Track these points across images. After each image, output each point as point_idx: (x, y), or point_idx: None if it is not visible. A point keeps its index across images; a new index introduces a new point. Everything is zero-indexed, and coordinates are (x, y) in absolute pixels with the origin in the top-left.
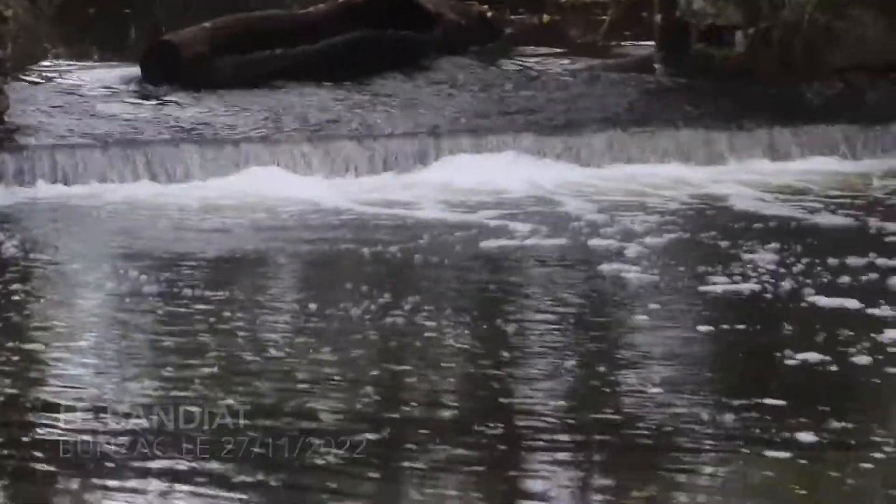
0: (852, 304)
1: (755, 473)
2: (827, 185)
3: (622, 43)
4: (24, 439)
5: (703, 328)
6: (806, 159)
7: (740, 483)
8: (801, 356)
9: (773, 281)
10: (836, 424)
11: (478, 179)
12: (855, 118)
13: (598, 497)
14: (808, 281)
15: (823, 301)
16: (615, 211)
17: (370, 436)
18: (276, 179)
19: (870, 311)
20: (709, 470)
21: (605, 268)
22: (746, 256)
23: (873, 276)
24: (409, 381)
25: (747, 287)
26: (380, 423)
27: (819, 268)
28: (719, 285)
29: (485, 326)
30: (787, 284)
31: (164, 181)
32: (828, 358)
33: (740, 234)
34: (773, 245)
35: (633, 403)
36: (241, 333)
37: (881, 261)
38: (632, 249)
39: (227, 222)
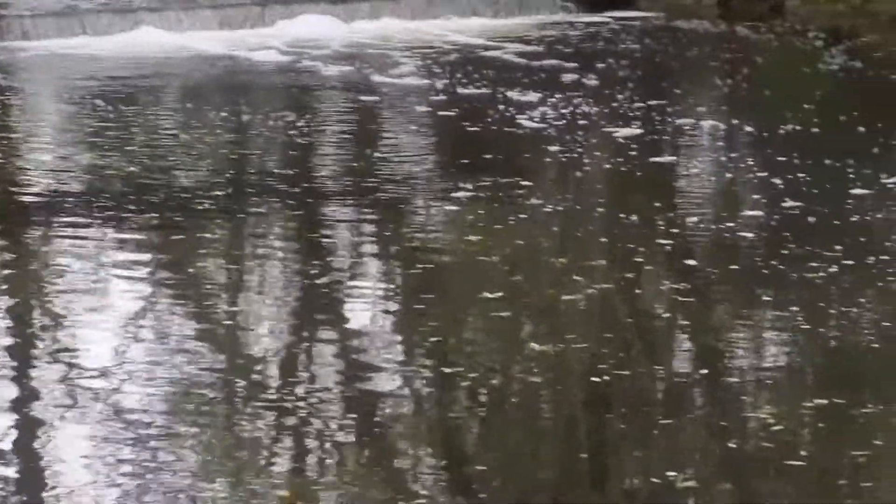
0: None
1: (456, 210)
2: (503, 32)
3: None
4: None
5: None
6: (495, 19)
7: (438, 214)
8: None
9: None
10: (506, 180)
11: (301, 32)
12: None
13: (369, 228)
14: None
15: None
16: (382, 48)
17: (229, 190)
18: (164, 36)
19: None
20: (434, 210)
21: (385, 86)
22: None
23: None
24: (251, 157)
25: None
26: (229, 184)
27: (506, 88)
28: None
29: (302, 122)
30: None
31: (93, 36)
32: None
33: (463, 59)
34: (466, 64)
35: (388, 172)
36: (167, 128)
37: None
38: (402, 68)
39: (138, 61)
